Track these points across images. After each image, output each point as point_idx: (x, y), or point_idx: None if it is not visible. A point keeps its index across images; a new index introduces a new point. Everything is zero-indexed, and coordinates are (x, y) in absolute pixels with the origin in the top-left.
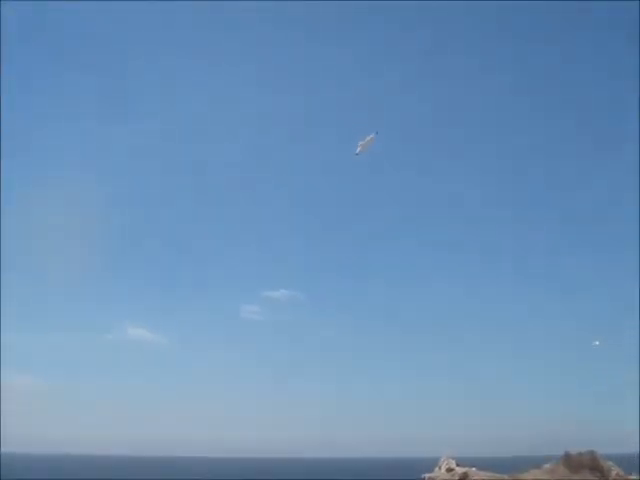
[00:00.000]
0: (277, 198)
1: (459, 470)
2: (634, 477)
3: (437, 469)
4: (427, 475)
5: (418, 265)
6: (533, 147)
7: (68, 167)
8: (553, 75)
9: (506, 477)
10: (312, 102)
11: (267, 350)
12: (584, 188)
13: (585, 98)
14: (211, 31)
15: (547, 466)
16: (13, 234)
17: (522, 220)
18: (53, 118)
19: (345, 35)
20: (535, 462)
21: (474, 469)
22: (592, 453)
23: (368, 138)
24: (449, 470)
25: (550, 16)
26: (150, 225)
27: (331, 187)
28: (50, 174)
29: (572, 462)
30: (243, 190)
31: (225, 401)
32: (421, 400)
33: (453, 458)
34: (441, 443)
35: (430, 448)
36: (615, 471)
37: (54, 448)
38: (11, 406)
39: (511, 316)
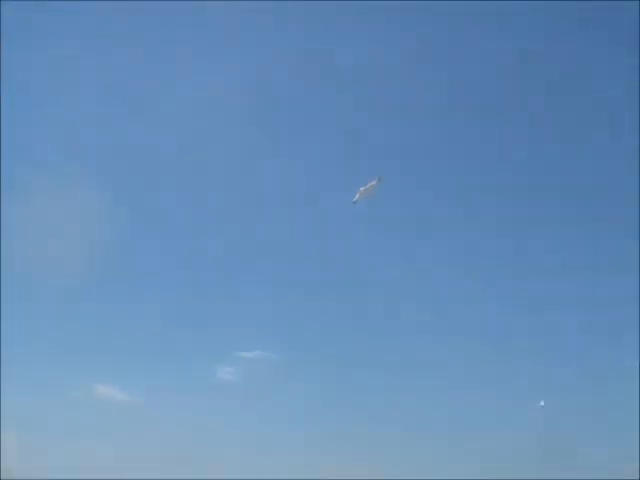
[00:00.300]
0: (256, 258)
1: None
2: None
3: None
4: None
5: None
6: None
7: None
8: None
9: None
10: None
11: (241, 411)
12: None
13: None
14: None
15: None
16: None
17: None
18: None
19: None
20: None
21: None
22: None
23: (370, 184)
24: None
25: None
26: (120, 282)
27: (313, 247)
28: None
29: None
30: (219, 248)
31: (198, 462)
32: (399, 465)
33: None
34: None
35: None
36: None
37: None
38: None
39: None
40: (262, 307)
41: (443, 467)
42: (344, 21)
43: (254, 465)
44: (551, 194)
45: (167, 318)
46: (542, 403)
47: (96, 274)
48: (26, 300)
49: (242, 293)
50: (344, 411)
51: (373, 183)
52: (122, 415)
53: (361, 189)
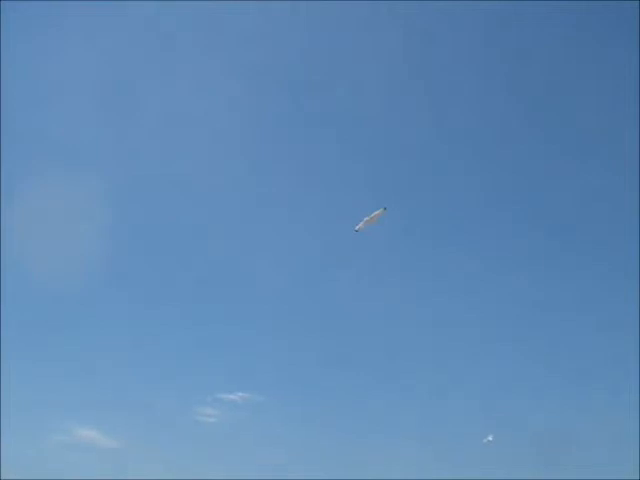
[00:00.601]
0: (238, 298)
1: None
2: None
3: None
4: None
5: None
6: None
7: None
8: None
9: None
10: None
11: (223, 455)
12: None
13: None
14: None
15: None
16: None
17: None
18: None
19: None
20: None
21: None
22: None
23: (375, 213)
24: None
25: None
26: (98, 321)
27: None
28: None
29: None
30: (198, 285)
31: None
32: None
33: None
34: None
35: None
36: None
37: None
38: None
39: None
40: (244, 347)
41: None
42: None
43: None
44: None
45: (147, 359)
46: (490, 438)
47: (73, 315)
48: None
49: (223, 333)
50: (330, 455)
51: (378, 213)
52: (103, 459)
53: (366, 218)
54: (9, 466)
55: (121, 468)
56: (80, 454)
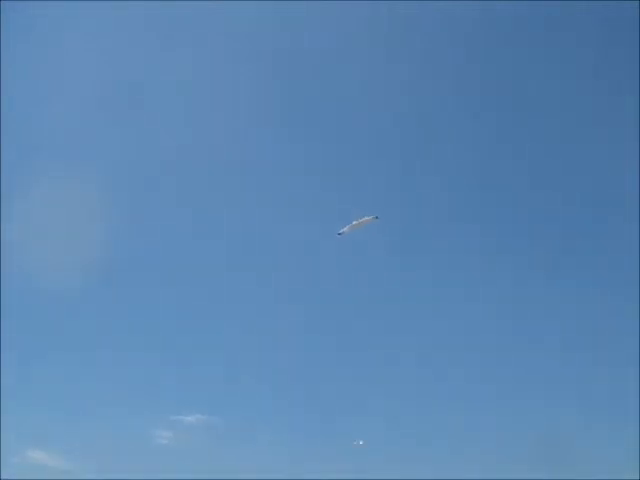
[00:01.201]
0: (197, 318)
1: None
2: None
3: None
4: None
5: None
6: None
7: None
8: None
9: None
10: None
11: (178, 477)
12: None
13: None
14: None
15: None
16: None
17: None
18: None
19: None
20: None
21: None
22: None
23: (364, 219)
24: None
25: None
26: (52, 339)
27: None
28: None
29: None
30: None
31: None
32: None
33: None
34: None
35: None
36: None
37: None
38: None
39: None
40: (201, 368)
41: None
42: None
43: None
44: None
45: (100, 379)
46: (361, 442)
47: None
48: None
49: (178, 353)
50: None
51: (367, 219)
52: None
53: (353, 222)
54: None
55: None
56: (31, 476)
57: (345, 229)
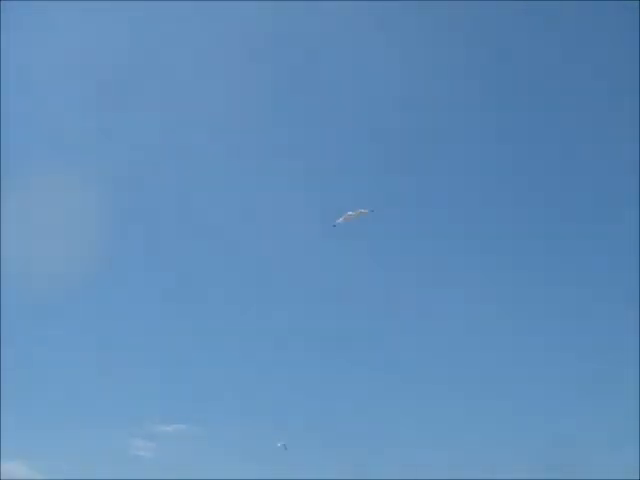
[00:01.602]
0: (177, 325)
1: None
2: None
3: None
4: None
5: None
6: None
7: None
8: None
9: None
10: None
11: None
12: None
13: None
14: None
15: None
16: None
17: None
18: None
19: None
20: None
21: None
22: None
23: (359, 211)
24: None
25: None
26: (30, 346)
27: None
28: None
29: None
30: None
31: None
32: None
33: None
34: None
35: None
36: None
37: None
38: None
39: None
40: (182, 376)
41: None
42: None
43: None
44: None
45: (78, 387)
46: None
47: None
48: None
49: (160, 361)
50: None
51: (363, 211)
52: None
53: (349, 213)
54: None
55: None
56: None
57: (340, 220)
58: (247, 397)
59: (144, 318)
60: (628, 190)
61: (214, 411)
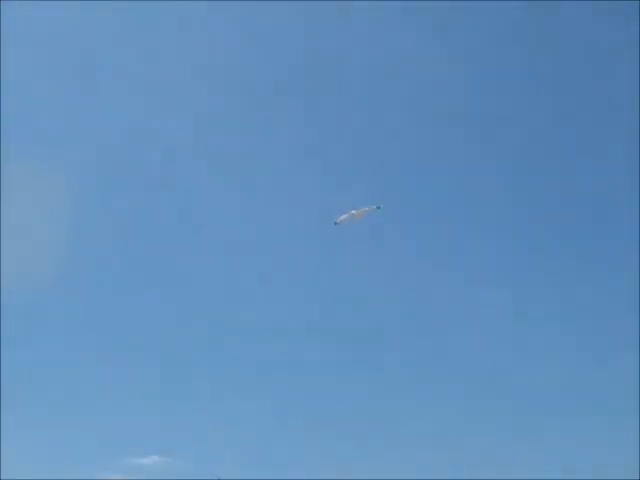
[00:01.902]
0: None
1: None
2: None
3: None
4: None
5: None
6: None
7: None
8: None
9: None
10: None
11: None
12: None
13: None
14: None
15: None
16: None
17: None
18: None
19: None
20: None
21: None
22: None
23: (364, 209)
24: None
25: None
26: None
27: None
28: None
29: None
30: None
31: None
32: None
33: None
34: None
35: None
36: None
37: None
38: None
39: None
40: (158, 402)
41: None
42: None
43: None
44: None
45: (45, 420)
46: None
47: None
48: None
49: (132, 389)
50: None
51: (367, 209)
52: None
53: (352, 211)
54: None
55: None
56: None
57: (343, 217)
58: (225, 426)
59: (121, 338)
60: None
61: (192, 442)
